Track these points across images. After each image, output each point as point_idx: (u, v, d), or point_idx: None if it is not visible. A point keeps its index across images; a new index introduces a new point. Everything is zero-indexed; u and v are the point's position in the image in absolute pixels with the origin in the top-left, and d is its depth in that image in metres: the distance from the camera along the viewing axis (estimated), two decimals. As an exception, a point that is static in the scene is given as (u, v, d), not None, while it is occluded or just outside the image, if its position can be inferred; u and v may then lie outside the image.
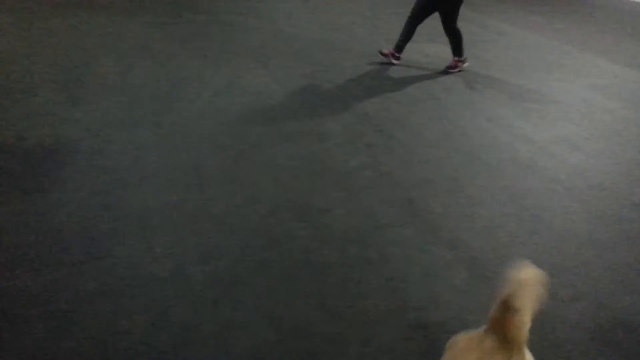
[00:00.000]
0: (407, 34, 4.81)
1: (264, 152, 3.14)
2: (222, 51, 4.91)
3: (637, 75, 5.39)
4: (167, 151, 3.04)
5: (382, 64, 4.96)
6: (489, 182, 3.01)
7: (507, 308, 1.22)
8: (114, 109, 3.51)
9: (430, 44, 5.76)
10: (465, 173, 3.10)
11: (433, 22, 5.04)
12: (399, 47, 4.90)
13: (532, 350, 1.34)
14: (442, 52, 5.41)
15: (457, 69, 4.91)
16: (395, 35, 5.07)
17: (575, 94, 4.64)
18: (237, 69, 4.47)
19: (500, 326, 1.25)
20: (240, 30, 5.74)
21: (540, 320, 1.77)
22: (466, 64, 4.98)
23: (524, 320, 1.22)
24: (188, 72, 4.30)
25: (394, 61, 4.97)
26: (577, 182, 3.11)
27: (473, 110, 4.08)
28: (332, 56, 5.11)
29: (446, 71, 4.91)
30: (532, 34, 6.85)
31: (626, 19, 8.77)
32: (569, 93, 4.66)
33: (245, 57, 4.81)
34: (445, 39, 4.91)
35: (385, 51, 4.98)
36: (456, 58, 4.89)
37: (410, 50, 5.25)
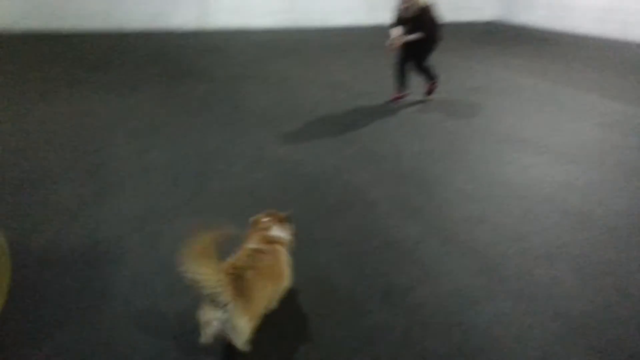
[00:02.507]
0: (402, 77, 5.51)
1: (317, 226, 2.99)
2: (235, 120, 4.82)
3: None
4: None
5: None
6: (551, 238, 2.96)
7: None
8: (148, 197, 3.27)
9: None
10: (536, 224, 3.03)
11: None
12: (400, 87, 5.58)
13: None
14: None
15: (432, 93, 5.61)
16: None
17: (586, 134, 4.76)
18: (257, 139, 4.35)
19: None
20: (245, 96, 5.68)
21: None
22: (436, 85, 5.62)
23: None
24: (208, 146, 4.14)
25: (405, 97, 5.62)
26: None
27: (499, 158, 4.10)
28: (350, 115, 5.10)
29: (425, 99, 5.61)
30: (524, 77, 7.13)
31: (585, 52, 9.29)
32: (581, 133, 4.78)
33: (261, 125, 4.72)
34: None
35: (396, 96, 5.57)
36: (431, 82, 5.54)
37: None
